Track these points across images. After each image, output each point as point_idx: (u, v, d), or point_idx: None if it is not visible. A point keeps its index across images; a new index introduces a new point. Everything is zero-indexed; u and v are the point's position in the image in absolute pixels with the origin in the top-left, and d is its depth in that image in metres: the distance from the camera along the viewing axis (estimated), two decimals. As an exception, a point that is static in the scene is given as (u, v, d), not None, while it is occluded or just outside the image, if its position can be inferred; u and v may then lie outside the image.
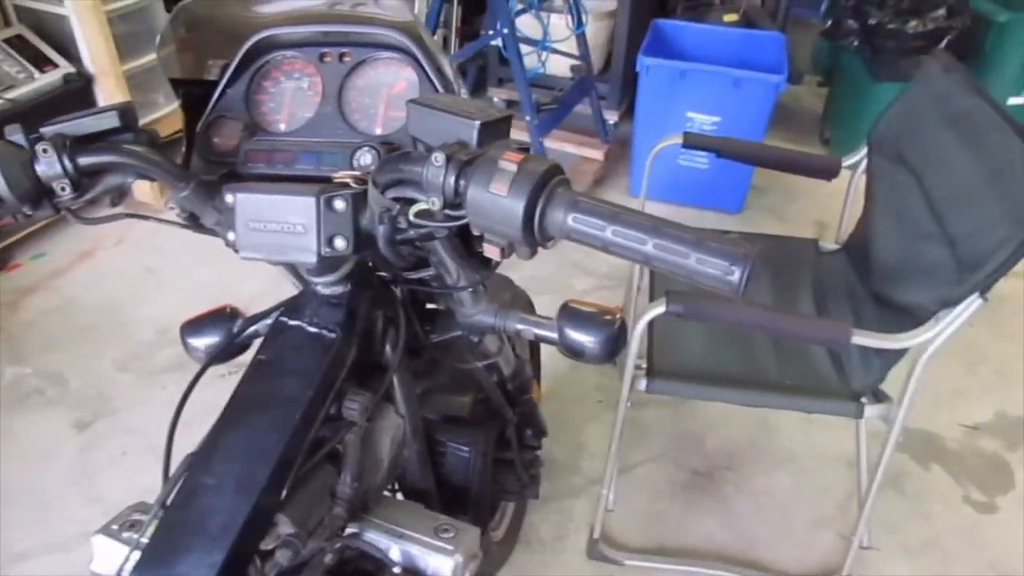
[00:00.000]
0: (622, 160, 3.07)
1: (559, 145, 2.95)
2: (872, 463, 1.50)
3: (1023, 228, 1.12)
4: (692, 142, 1.74)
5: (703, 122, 2.63)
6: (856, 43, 2.75)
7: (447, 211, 0.61)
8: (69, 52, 2.57)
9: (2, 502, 1.80)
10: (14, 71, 2.48)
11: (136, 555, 0.70)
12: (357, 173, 0.73)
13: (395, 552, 0.85)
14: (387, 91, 0.79)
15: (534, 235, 0.58)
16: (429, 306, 0.99)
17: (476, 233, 0.61)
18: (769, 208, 2.90)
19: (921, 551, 1.74)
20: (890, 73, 2.66)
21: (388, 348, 0.89)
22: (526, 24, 2.80)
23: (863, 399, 1.45)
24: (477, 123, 0.60)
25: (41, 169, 0.66)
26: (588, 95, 2.94)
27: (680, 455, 1.95)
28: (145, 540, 0.70)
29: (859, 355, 1.48)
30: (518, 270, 1.16)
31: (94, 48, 2.52)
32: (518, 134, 2.65)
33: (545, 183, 0.57)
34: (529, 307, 1.39)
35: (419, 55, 0.75)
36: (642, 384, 1.45)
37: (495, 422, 1.27)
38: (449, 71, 0.76)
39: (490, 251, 0.61)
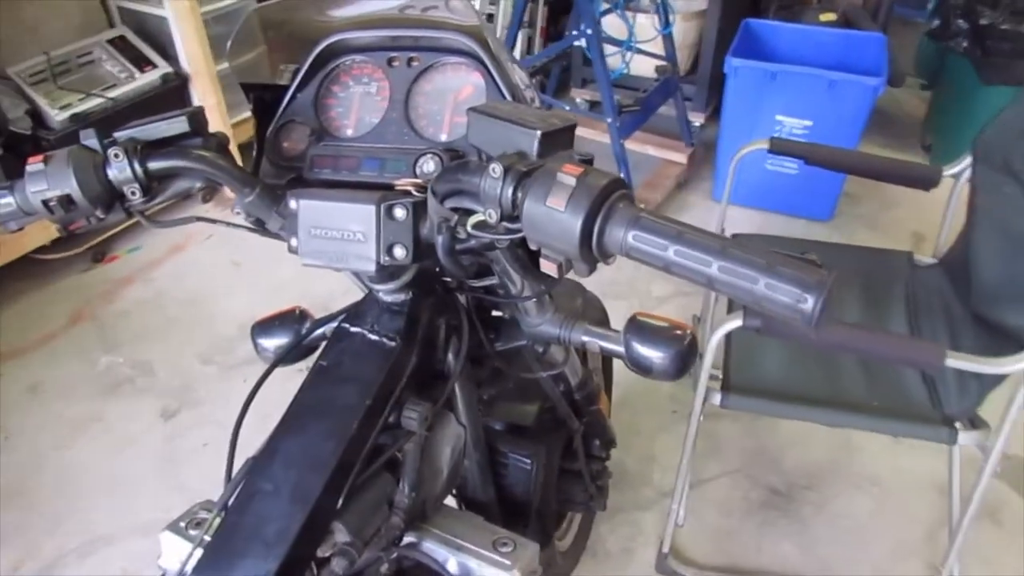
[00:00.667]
0: (706, 164, 2.98)
1: (641, 147, 2.89)
2: (966, 491, 1.40)
3: None
4: (778, 148, 1.66)
5: (793, 126, 2.52)
6: (965, 44, 2.58)
7: (505, 224, 0.59)
8: (167, 52, 2.69)
9: (92, 486, 1.89)
10: (116, 70, 2.61)
11: (199, 553, 0.71)
12: (418, 181, 0.71)
13: (452, 564, 0.84)
14: (454, 96, 0.77)
15: (592, 252, 0.55)
16: (495, 314, 0.98)
17: (533, 248, 0.58)
18: (862, 217, 2.76)
19: (1019, 589, 1.62)
20: (1001, 77, 2.48)
21: (451, 356, 0.87)
22: (611, 24, 2.75)
23: (957, 424, 1.35)
24: (538, 133, 0.58)
25: (112, 173, 0.67)
26: (673, 97, 2.87)
27: (756, 471, 1.88)
28: (208, 538, 0.71)
29: (955, 378, 1.38)
30: (595, 273, 1.13)
31: (190, 49, 2.63)
32: (600, 136, 2.61)
33: (605, 198, 0.54)
34: (602, 314, 1.36)
35: (486, 60, 0.74)
36: (716, 398, 1.40)
37: (561, 432, 1.25)
38: (518, 77, 0.74)
39: (547, 267, 0.59)
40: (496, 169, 0.56)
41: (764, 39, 2.73)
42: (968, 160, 1.58)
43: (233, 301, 2.45)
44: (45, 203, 0.65)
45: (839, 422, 1.45)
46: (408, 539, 0.84)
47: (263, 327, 0.99)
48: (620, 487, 1.80)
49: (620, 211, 0.53)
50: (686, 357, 0.86)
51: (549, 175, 0.54)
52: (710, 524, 1.76)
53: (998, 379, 1.27)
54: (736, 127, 2.59)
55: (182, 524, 0.84)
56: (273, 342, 0.98)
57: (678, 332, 0.87)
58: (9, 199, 0.68)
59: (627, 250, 0.53)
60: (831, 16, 2.86)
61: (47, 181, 0.65)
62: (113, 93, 2.52)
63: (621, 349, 0.88)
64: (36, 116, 2.41)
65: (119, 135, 0.69)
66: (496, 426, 1.14)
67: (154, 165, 0.68)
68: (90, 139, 0.67)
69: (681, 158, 2.90)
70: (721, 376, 1.45)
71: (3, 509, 1.84)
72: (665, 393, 2.07)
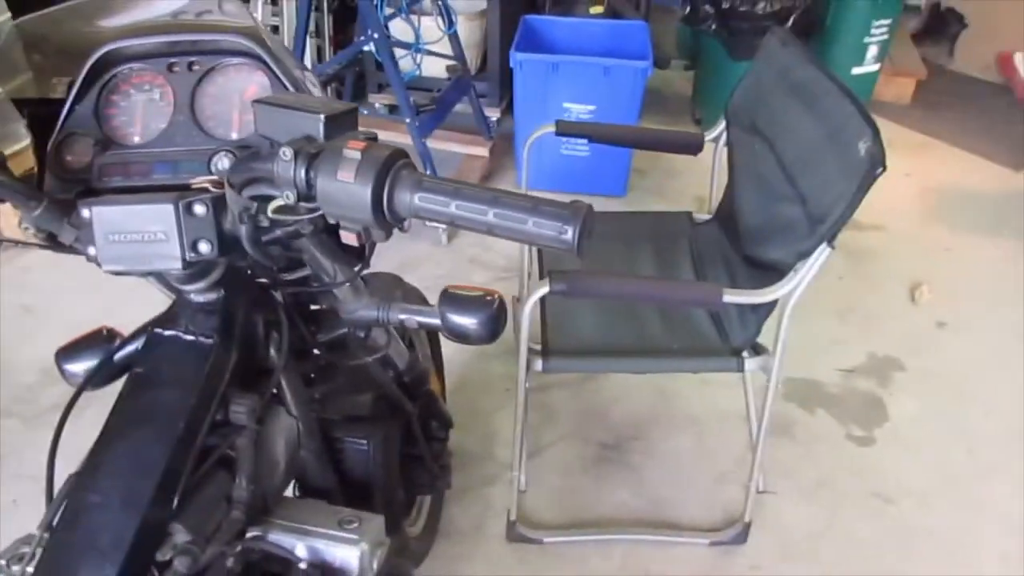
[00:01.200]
0: (507, 155, 3.14)
1: (444, 145, 2.98)
2: (761, 414, 1.60)
3: (854, 182, 1.24)
4: (564, 129, 1.81)
5: (580, 111, 2.72)
6: (713, 27, 2.92)
7: (302, 204, 0.63)
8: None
9: None
10: None
11: (28, 585, 0.69)
12: (215, 177, 0.74)
13: (300, 549, 0.86)
14: (239, 96, 0.80)
15: (385, 217, 0.61)
16: (313, 308, 1.01)
17: (332, 222, 0.63)
18: (651, 189, 3.03)
19: (814, 490, 1.87)
20: (746, 52, 2.82)
21: (272, 351, 0.89)
22: (398, 28, 2.82)
23: (744, 354, 1.55)
24: (322, 116, 0.63)
25: None
26: (467, 94, 2.99)
27: (588, 431, 2.02)
28: (31, 569, 0.69)
29: (736, 313, 1.59)
30: (415, 270, 1.19)
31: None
32: (400, 137, 2.67)
33: (390, 167, 0.60)
34: (422, 301, 1.42)
35: (266, 58, 0.77)
36: (538, 364, 1.50)
37: (398, 417, 1.29)
38: (299, 73, 0.78)
39: (347, 237, 0.64)
40: (287, 152, 0.60)
41: (543, 33, 2.91)
42: (723, 125, 1.81)
43: (30, 348, 2.25)
44: None
45: (646, 368, 1.62)
46: (253, 532, 0.85)
47: (68, 352, 0.95)
48: (466, 468, 1.87)
49: (404, 177, 0.60)
50: (497, 320, 0.93)
51: (336, 152, 0.60)
52: (552, 487, 1.88)
53: (769, 308, 1.48)
54: (528, 117, 2.75)
55: (2, 562, 0.80)
56: (81, 366, 0.94)
57: (488, 298, 0.94)
58: None
59: (415, 211, 0.60)
60: (599, 8, 3.12)
61: None
62: None
63: (437, 321, 0.94)
64: None
65: None
66: (334, 418, 1.16)
67: (-74, 187, 0.65)
68: None
69: (483, 151, 3.02)
70: (540, 344, 1.55)
71: None
72: (498, 373, 2.17)
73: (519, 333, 1.47)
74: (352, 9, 3.10)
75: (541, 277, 1.76)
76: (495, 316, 0.93)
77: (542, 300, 1.47)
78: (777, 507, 1.82)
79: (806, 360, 2.19)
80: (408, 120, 2.51)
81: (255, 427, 0.84)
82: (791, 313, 1.40)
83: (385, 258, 0.89)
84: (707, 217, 1.94)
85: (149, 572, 0.72)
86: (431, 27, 2.87)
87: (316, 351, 1.00)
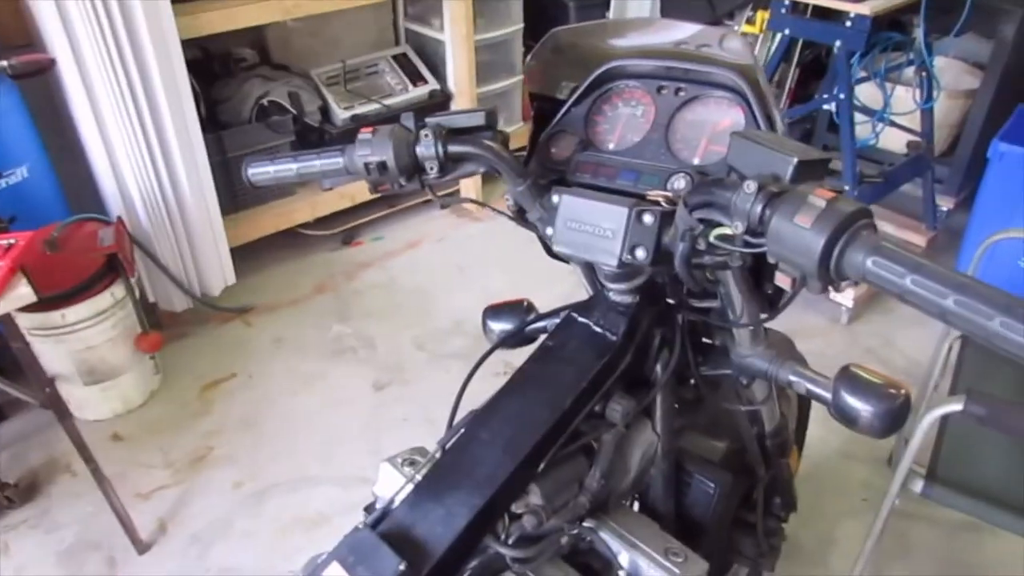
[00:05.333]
0: (947, 253, 2.78)
1: (878, 223, 2.74)
2: None
3: None
4: (1039, 239, 1.54)
5: (1062, 224, 2.29)
6: None
7: (747, 237, 0.64)
8: (438, 72, 3.01)
9: (308, 433, 2.15)
10: (394, 82, 2.97)
11: (409, 487, 0.82)
12: (669, 195, 0.79)
13: (624, 558, 0.89)
14: (712, 127, 0.84)
15: (829, 271, 0.59)
16: (705, 340, 1.02)
17: (771, 261, 0.63)
18: None
19: None
20: None
21: (659, 367, 0.93)
22: (866, 93, 2.67)
23: None
24: (794, 160, 0.63)
25: (420, 150, 0.82)
26: (922, 176, 2.71)
27: (949, 586, 1.72)
28: (419, 478, 0.82)
29: None
30: (803, 342, 1.14)
31: (459, 71, 2.92)
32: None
33: (851, 223, 0.58)
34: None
35: (751, 98, 0.80)
36: (918, 486, 1.32)
37: (744, 478, 1.25)
38: (777, 118, 0.79)
39: (781, 280, 0.63)
40: (751, 186, 0.62)
41: (1039, 128, 2.51)
42: None
43: (452, 299, 2.66)
44: (366, 165, 0.81)
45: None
46: (589, 523, 0.90)
47: (494, 311, 1.11)
48: (791, 558, 1.73)
49: (863, 238, 0.57)
50: (897, 416, 0.84)
51: (800, 196, 0.59)
52: (886, 625, 1.64)
53: None
54: (992, 217, 2.39)
55: (399, 460, 0.97)
56: (499, 325, 1.09)
57: (892, 389, 0.86)
58: (338, 159, 0.84)
59: (864, 274, 0.57)
60: None
61: (371, 148, 0.81)
62: (388, 101, 2.87)
63: (828, 395, 0.89)
64: (324, 112, 2.81)
65: (429, 120, 0.83)
66: (686, 447, 1.17)
67: (453, 148, 0.81)
68: (408, 120, 0.83)
69: (920, 240, 2.72)
70: (927, 465, 1.36)
71: (239, 434, 2.15)
72: (858, 478, 1.95)
73: (903, 445, 1.30)
74: (823, 65, 3.03)
75: (953, 391, 1.53)
76: (895, 412, 0.85)
77: (944, 417, 1.28)
78: None
79: None
80: (847, 187, 2.38)
81: (623, 430, 0.89)
82: None
83: (776, 320, 0.87)
84: None
85: (501, 516, 0.81)
86: (904, 98, 2.67)
87: (694, 382, 1.02)
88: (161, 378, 2.34)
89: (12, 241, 1.47)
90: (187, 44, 2.25)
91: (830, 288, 0.62)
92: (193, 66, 2.32)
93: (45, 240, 1.99)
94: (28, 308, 1.62)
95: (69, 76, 2.07)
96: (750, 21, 2.88)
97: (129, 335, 2.16)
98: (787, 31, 2.49)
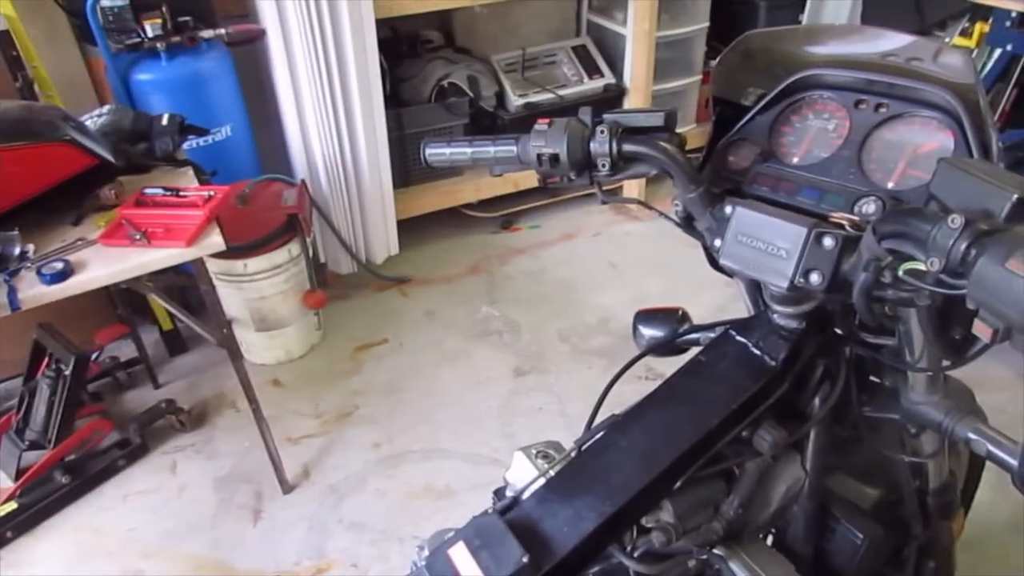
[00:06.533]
0: None
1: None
2: None
3: None
4: None
5: None
6: None
7: (944, 276, 0.58)
8: (615, 66, 2.97)
9: (447, 406, 2.22)
10: (570, 73, 2.97)
11: (541, 481, 0.82)
12: (855, 219, 0.73)
13: (752, 594, 0.85)
14: (913, 149, 0.77)
15: None
16: (873, 379, 0.94)
17: (971, 307, 0.56)
18: None
19: None
20: None
21: (817, 400, 0.87)
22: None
23: None
24: (1014, 196, 0.56)
25: (593, 146, 0.80)
26: None
27: None
28: (552, 473, 0.82)
29: None
30: (984, 394, 1.02)
31: (637, 66, 2.88)
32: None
33: None
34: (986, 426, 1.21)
35: (966, 122, 0.72)
36: (1108, 577, 1.16)
37: (898, 532, 1.15)
38: (995, 145, 0.71)
39: (980, 329, 0.57)
40: (956, 220, 0.56)
41: None
42: None
43: (601, 296, 2.64)
44: (539, 156, 0.81)
45: None
46: (719, 551, 0.86)
47: (646, 316, 1.08)
48: (938, 627, 1.57)
49: None
50: None
51: (1018, 238, 0.52)
52: None
53: None
54: None
55: (533, 451, 0.97)
56: (650, 332, 1.06)
57: (1101, 466, 0.75)
58: (512, 147, 0.85)
59: None
60: None
61: (545, 139, 0.81)
62: (562, 92, 2.88)
63: (1014, 463, 0.79)
64: (500, 97, 2.86)
65: (607, 116, 0.82)
66: (835, 491, 1.09)
67: (627, 147, 0.79)
68: (586, 115, 0.82)
69: None
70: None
71: (383, 397, 2.25)
72: (1030, 552, 1.75)
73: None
74: (1046, 90, 2.71)
75: None
76: None
77: None
78: None
79: None
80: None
81: (769, 460, 0.84)
82: None
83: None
84: None
85: (630, 528, 0.79)
86: None
87: (854, 422, 0.94)
88: (321, 334, 2.49)
89: (211, 193, 1.61)
90: (380, 23, 2.37)
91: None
92: (383, 45, 2.43)
93: (238, 195, 2.17)
94: (216, 255, 1.78)
95: (275, 46, 2.24)
96: (965, 33, 2.62)
97: (299, 291, 2.33)
98: (1009, 47, 2.25)
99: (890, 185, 0.76)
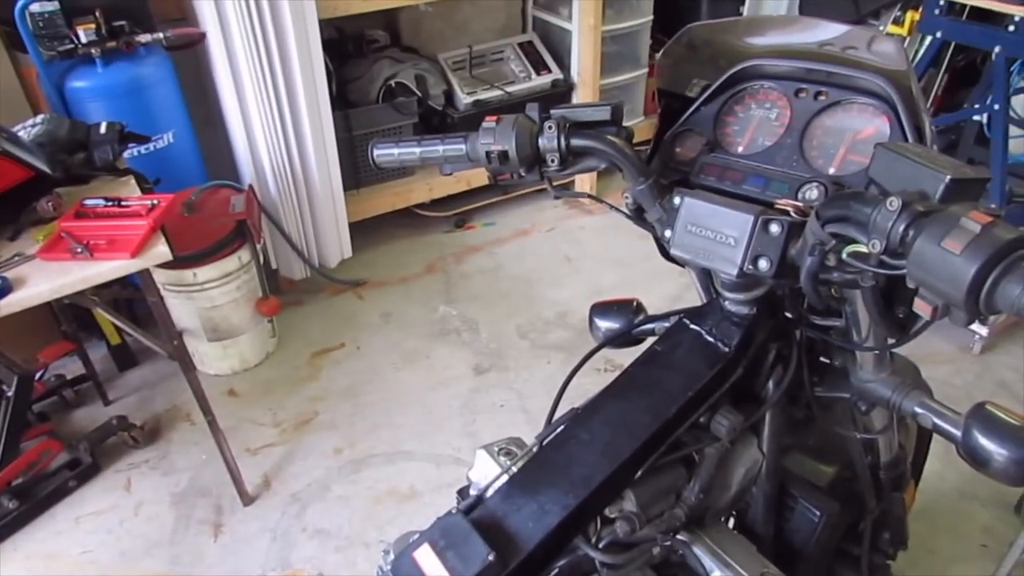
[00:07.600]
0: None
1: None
2: None
3: None
4: None
5: None
6: None
7: (884, 257, 0.59)
8: (562, 61, 2.99)
9: (407, 408, 2.20)
10: (518, 70, 2.97)
11: (504, 478, 0.82)
12: (800, 205, 0.74)
13: (716, 576, 0.86)
14: (852, 135, 0.79)
15: (978, 303, 0.54)
16: (823, 360, 0.97)
17: (911, 286, 0.58)
18: None
19: None
20: None
21: (771, 383, 0.89)
22: (1022, 104, 2.46)
23: None
24: (947, 177, 0.58)
25: (542, 142, 0.81)
26: (1082, 199, 2.48)
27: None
28: (515, 469, 0.82)
29: None
30: (928, 368, 1.06)
31: (584, 61, 2.89)
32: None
33: (1009, 252, 0.52)
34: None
35: (900, 107, 0.74)
36: (1051, 539, 1.21)
37: (851, 507, 1.18)
38: (928, 129, 0.73)
39: (920, 307, 0.59)
40: (894, 203, 0.57)
41: None
42: None
43: (558, 291, 2.66)
44: (487, 154, 0.81)
45: None
46: (683, 537, 0.88)
47: (601, 308, 1.09)
48: (896, 598, 1.63)
49: (1022, 269, 0.52)
50: None
51: (952, 217, 0.54)
52: None
53: None
54: None
55: (495, 449, 0.97)
56: (607, 324, 1.07)
57: (1032, 435, 0.78)
58: (461, 146, 0.85)
59: (1021, 309, 0.51)
60: None
61: (494, 137, 0.81)
62: (511, 88, 2.88)
63: (957, 433, 0.82)
64: (448, 96, 2.85)
65: (554, 112, 0.82)
66: (792, 470, 1.12)
67: (576, 142, 0.80)
68: (533, 111, 0.82)
69: (1074, 270, 2.48)
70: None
71: (343, 402, 2.23)
72: (978, 522, 1.81)
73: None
74: (975, 72, 2.80)
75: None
76: None
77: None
78: None
79: None
80: (993, 206, 2.19)
81: (727, 444, 0.86)
82: None
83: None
84: None
85: (594, 519, 0.80)
86: (1069, 112, 2.44)
87: (807, 403, 0.97)
88: (276, 341, 2.45)
89: (155, 202, 1.57)
90: (325, 24, 2.34)
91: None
92: (328, 46, 2.40)
93: (184, 203, 2.12)
94: (164, 265, 1.73)
95: (216, 50, 2.19)
96: (897, 22, 2.70)
97: (251, 298, 2.28)
98: (939, 34, 2.32)
99: (832, 171, 0.78)
